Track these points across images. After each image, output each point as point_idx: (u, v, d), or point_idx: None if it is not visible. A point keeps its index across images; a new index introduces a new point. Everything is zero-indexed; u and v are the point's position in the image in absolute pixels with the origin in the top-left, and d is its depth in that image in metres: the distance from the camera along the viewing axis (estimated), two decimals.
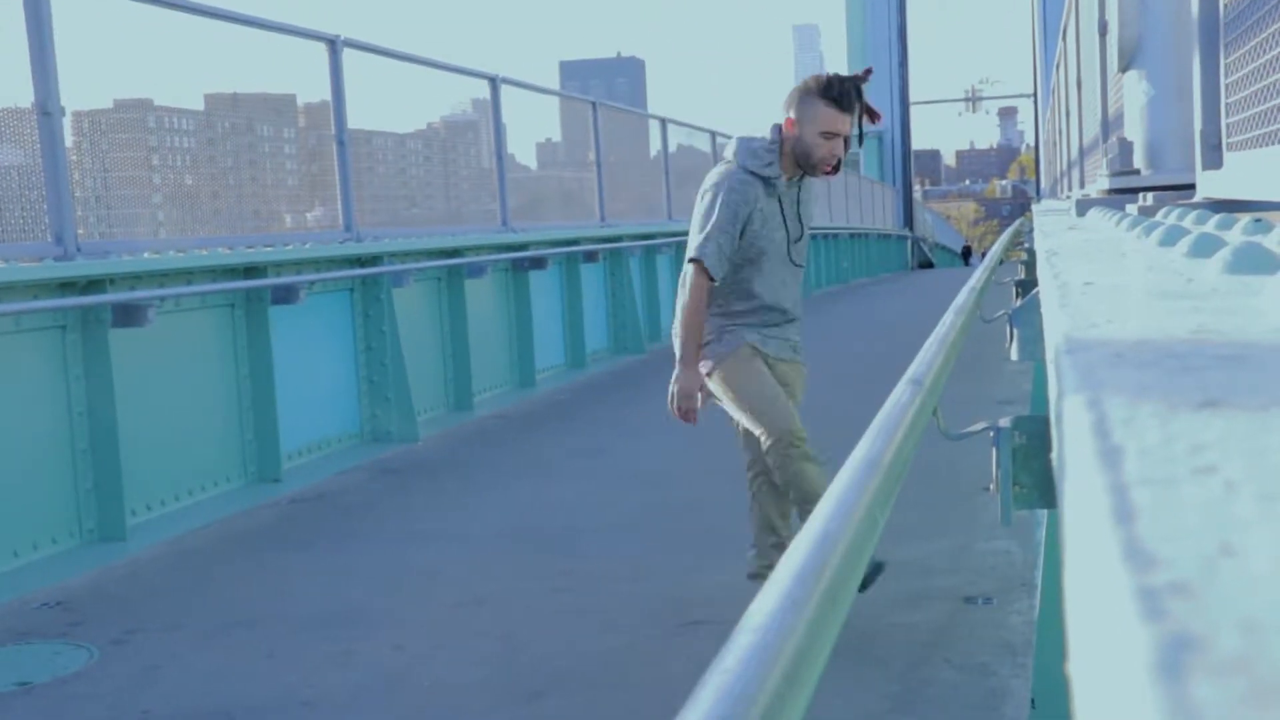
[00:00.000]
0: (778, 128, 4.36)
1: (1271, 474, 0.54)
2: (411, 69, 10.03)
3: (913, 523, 5.44)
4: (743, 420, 4.41)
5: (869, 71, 4.54)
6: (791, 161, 4.35)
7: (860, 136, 4.43)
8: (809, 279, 23.71)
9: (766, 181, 4.34)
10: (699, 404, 4.38)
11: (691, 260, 4.31)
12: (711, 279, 4.29)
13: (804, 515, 4.31)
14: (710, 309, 4.38)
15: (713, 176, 4.40)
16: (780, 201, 4.39)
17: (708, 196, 4.34)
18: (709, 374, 4.37)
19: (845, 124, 4.32)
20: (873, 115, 4.44)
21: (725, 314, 4.41)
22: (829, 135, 4.30)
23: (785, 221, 4.41)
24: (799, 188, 4.45)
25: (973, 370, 8.69)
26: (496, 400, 10.36)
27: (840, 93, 4.32)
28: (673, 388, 4.38)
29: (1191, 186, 2.95)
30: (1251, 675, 0.35)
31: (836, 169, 4.43)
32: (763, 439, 4.31)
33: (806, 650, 0.74)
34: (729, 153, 4.44)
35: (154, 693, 4.15)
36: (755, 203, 4.32)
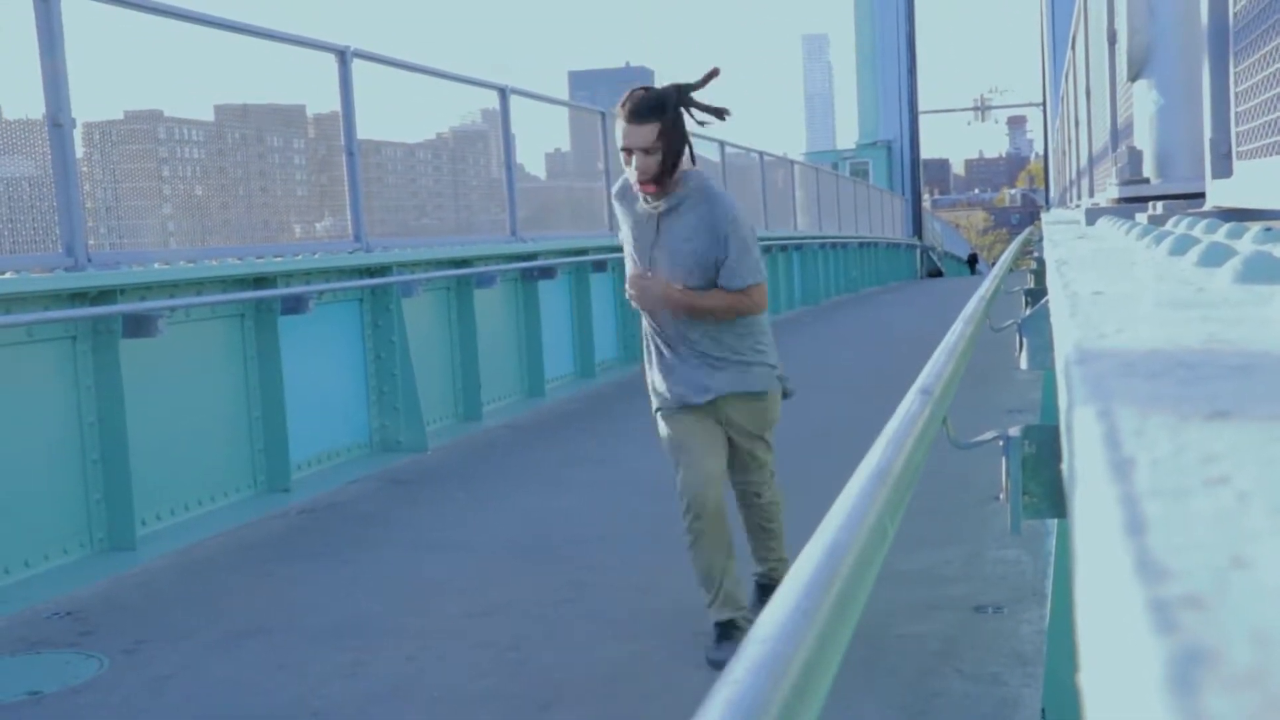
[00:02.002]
0: None
1: None
2: (421, 79, 10.05)
3: (923, 532, 5.43)
4: None
5: (712, 73, 4.17)
6: None
7: (667, 153, 4.10)
8: (816, 286, 23.71)
9: (636, 201, 4.28)
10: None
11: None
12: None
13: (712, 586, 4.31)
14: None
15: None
16: (645, 225, 4.27)
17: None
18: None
19: (637, 137, 4.04)
20: (717, 113, 4.16)
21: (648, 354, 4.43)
22: (625, 152, 4.11)
23: (647, 247, 4.26)
24: (662, 215, 4.22)
25: (982, 379, 8.68)
26: (506, 410, 10.36)
27: (631, 103, 4.07)
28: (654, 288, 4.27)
29: (1201, 195, 2.94)
30: (1264, 688, 0.35)
31: (654, 182, 4.12)
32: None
33: (816, 660, 0.74)
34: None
35: (164, 703, 4.15)
36: (626, 219, 4.37)
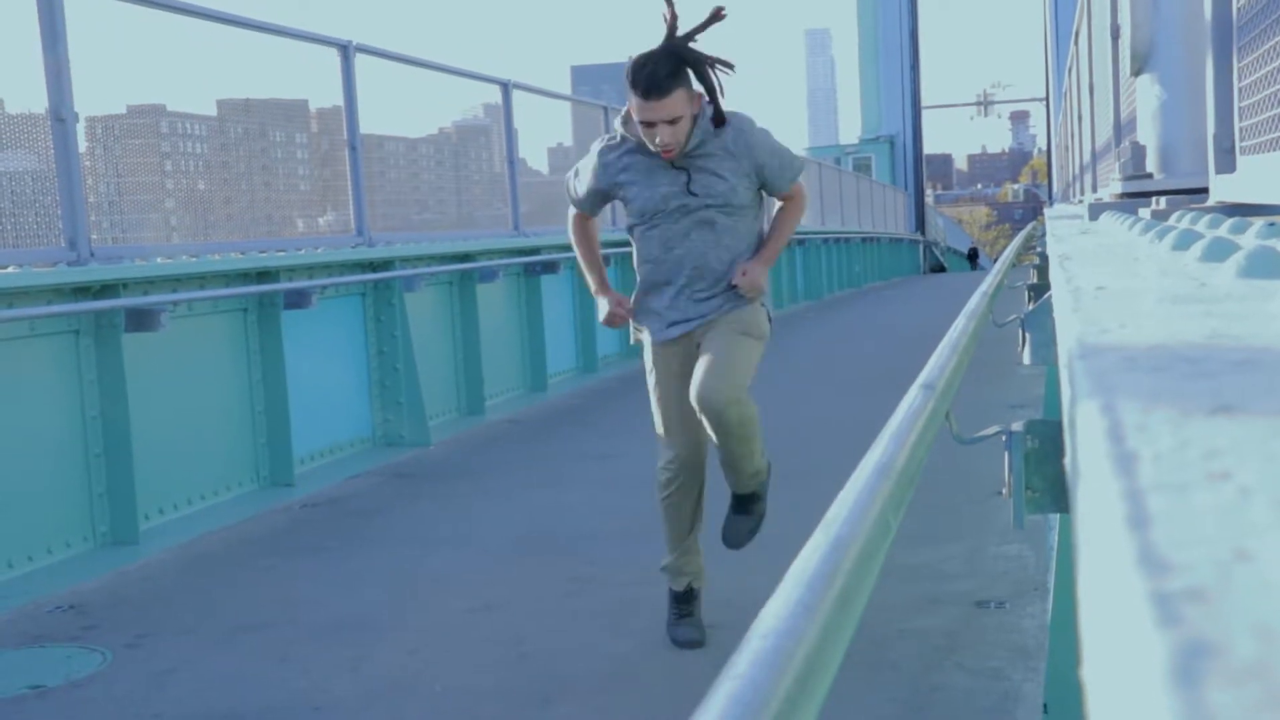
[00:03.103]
0: None
1: None
2: (423, 74, 10.04)
3: (925, 527, 5.43)
4: None
5: (715, 15, 4.02)
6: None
7: (714, 99, 4.05)
8: (819, 281, 23.70)
9: (640, 150, 4.17)
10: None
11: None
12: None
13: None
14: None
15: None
16: (661, 169, 4.15)
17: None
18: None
19: (660, 110, 3.94)
20: (723, 63, 4.05)
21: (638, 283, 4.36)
22: (646, 125, 4.01)
23: (668, 192, 4.17)
24: (688, 158, 4.13)
25: (985, 374, 8.68)
26: (508, 404, 10.36)
27: (645, 82, 3.93)
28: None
29: (1205, 190, 2.94)
30: (1267, 681, 0.35)
31: (717, 122, 4.09)
32: None
33: (819, 655, 0.74)
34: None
35: (166, 696, 4.16)
36: (627, 169, 4.22)
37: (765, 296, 4.29)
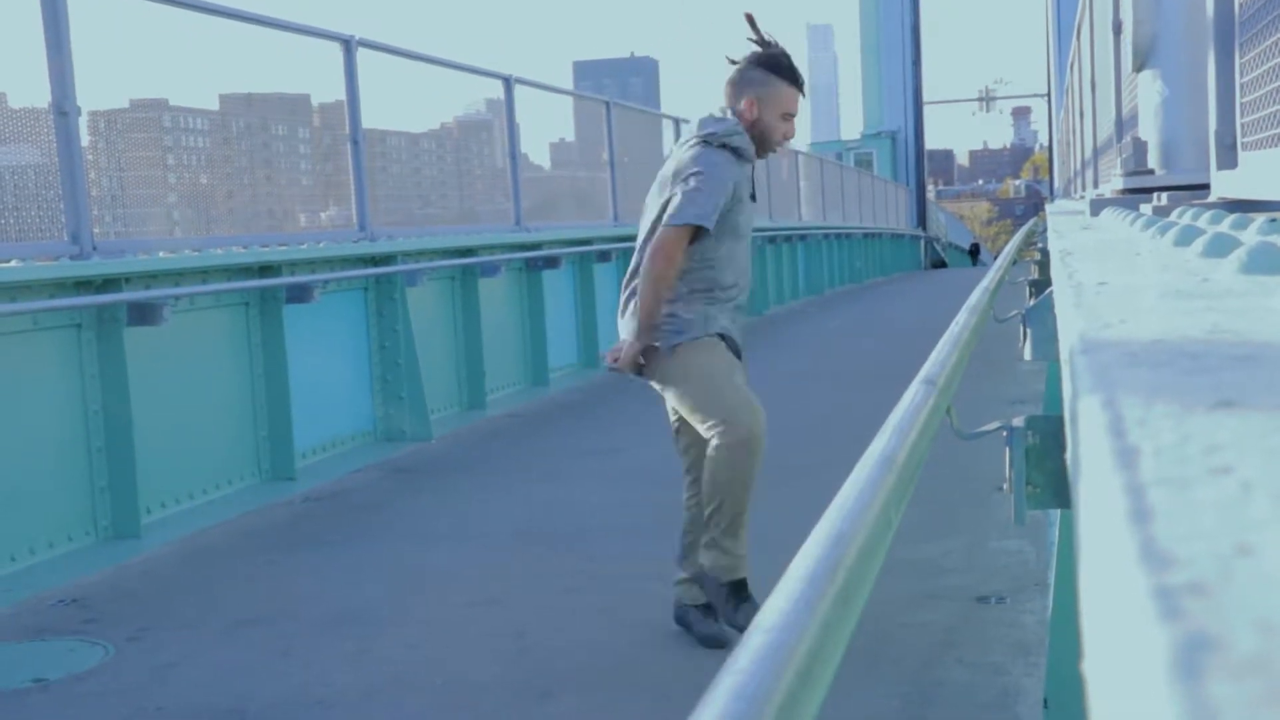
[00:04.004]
0: (734, 110, 4.27)
1: None
2: (426, 69, 10.04)
3: (926, 522, 5.43)
4: (698, 411, 4.18)
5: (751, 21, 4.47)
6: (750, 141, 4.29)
7: None
8: (821, 276, 23.71)
9: (743, 159, 4.25)
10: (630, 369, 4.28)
11: (678, 226, 4.11)
12: (693, 239, 4.17)
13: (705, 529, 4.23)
14: (679, 286, 4.22)
15: (688, 153, 4.19)
16: (750, 180, 4.36)
17: (691, 170, 4.14)
18: (672, 353, 4.20)
19: (799, 105, 4.35)
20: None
21: (699, 292, 4.23)
22: (788, 117, 4.31)
23: (751, 199, 4.36)
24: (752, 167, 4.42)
25: (986, 370, 8.68)
26: (510, 399, 10.36)
27: (798, 74, 4.33)
28: (622, 351, 4.29)
29: (1206, 186, 2.94)
30: (1269, 675, 0.35)
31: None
32: (719, 432, 4.10)
33: (820, 650, 0.74)
34: (700, 131, 4.24)
35: (168, 690, 4.16)
36: (738, 179, 4.24)
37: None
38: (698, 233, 4.14)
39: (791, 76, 4.27)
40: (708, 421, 4.14)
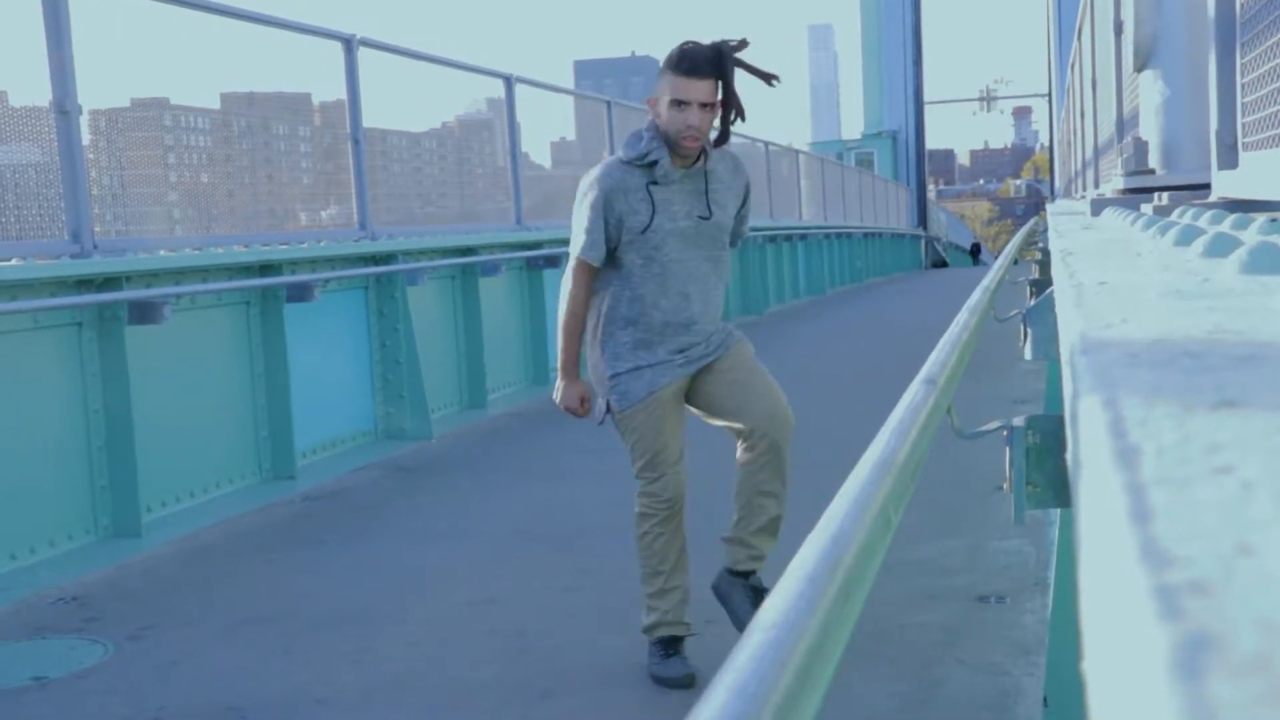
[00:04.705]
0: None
1: None
2: (426, 68, 10.04)
3: (926, 522, 5.43)
4: (632, 461, 4.18)
5: (743, 42, 4.04)
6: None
7: (729, 109, 4.00)
8: (821, 276, 23.69)
9: (649, 169, 4.00)
10: (587, 407, 4.21)
11: (571, 262, 4.11)
12: (592, 267, 4.08)
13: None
14: (612, 324, 4.10)
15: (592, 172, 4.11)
16: (676, 189, 4.03)
17: (581, 197, 4.07)
18: (618, 415, 4.13)
19: (698, 90, 3.89)
20: (766, 77, 4.10)
21: (631, 324, 4.08)
22: (679, 104, 3.91)
23: (686, 210, 4.04)
24: (705, 173, 4.07)
25: (987, 370, 8.68)
26: (510, 398, 10.36)
27: (689, 59, 3.92)
28: (556, 397, 4.24)
29: (1207, 186, 2.94)
30: (1270, 674, 0.35)
31: (720, 141, 4.07)
32: (637, 493, 4.14)
33: (819, 649, 0.74)
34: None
35: (168, 688, 4.16)
36: (630, 194, 4.01)
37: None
38: (600, 264, 4.07)
39: (675, 62, 3.93)
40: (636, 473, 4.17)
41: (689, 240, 4.06)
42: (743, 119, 4.08)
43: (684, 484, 4.13)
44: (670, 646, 4.09)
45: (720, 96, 3.97)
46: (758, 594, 4.06)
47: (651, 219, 4.02)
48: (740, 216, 4.24)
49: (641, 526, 4.12)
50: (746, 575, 4.13)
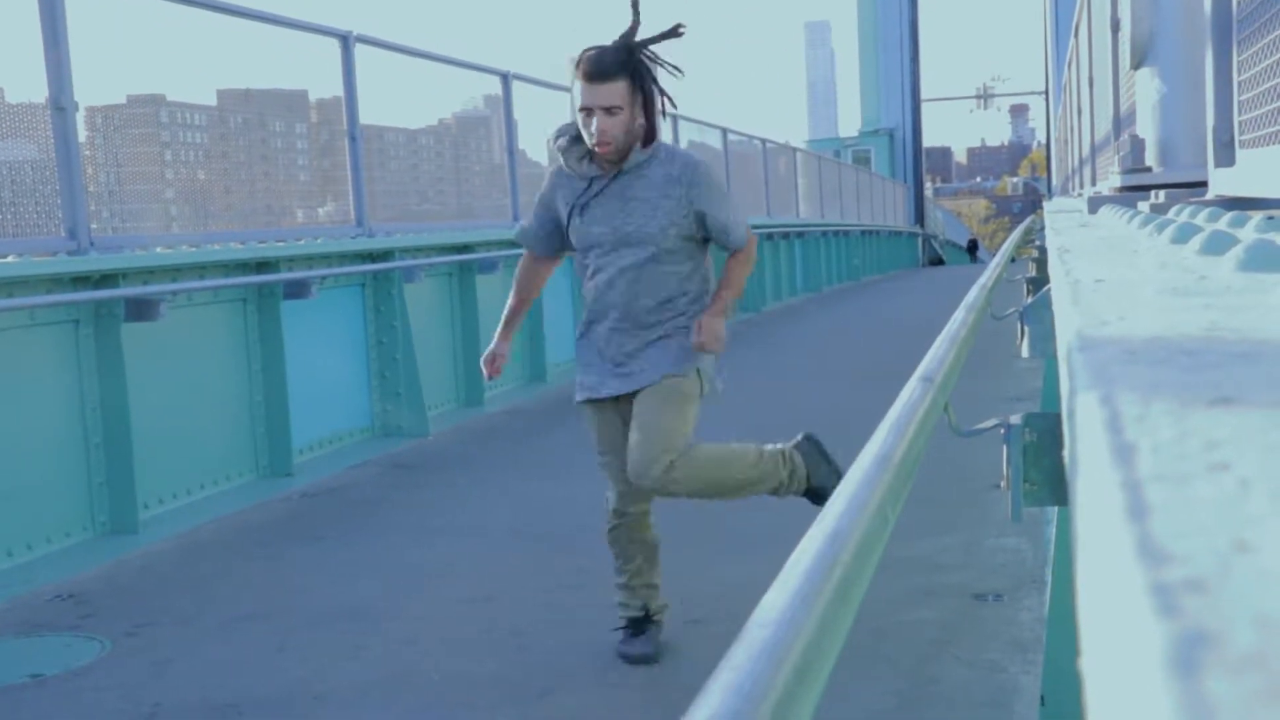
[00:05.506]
0: None
1: None
2: (423, 65, 10.03)
3: (923, 519, 5.43)
4: None
5: (674, 30, 3.96)
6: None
7: (649, 113, 3.94)
8: (819, 273, 23.69)
9: (573, 171, 4.04)
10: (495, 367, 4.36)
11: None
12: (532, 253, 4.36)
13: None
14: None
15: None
16: (602, 194, 4.01)
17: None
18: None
19: (600, 95, 3.82)
20: (673, 70, 4.00)
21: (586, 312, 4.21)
22: (585, 111, 3.86)
23: (605, 215, 4.01)
24: (623, 177, 3.99)
25: (983, 367, 8.68)
26: (508, 396, 10.36)
27: (588, 64, 3.84)
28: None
29: (1204, 184, 2.94)
30: (1267, 671, 0.35)
31: (647, 139, 3.97)
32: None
33: (816, 647, 0.74)
34: None
35: (165, 685, 4.16)
36: (559, 194, 4.09)
37: (706, 357, 4.10)
38: (535, 250, 4.38)
39: (577, 67, 3.86)
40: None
41: (610, 248, 4.03)
42: (673, 106, 4.04)
43: (632, 495, 4.12)
44: (636, 626, 4.22)
45: (638, 97, 3.90)
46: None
47: (568, 222, 4.11)
48: (709, 222, 4.02)
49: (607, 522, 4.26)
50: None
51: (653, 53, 3.94)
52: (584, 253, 4.12)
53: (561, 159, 4.07)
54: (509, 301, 4.47)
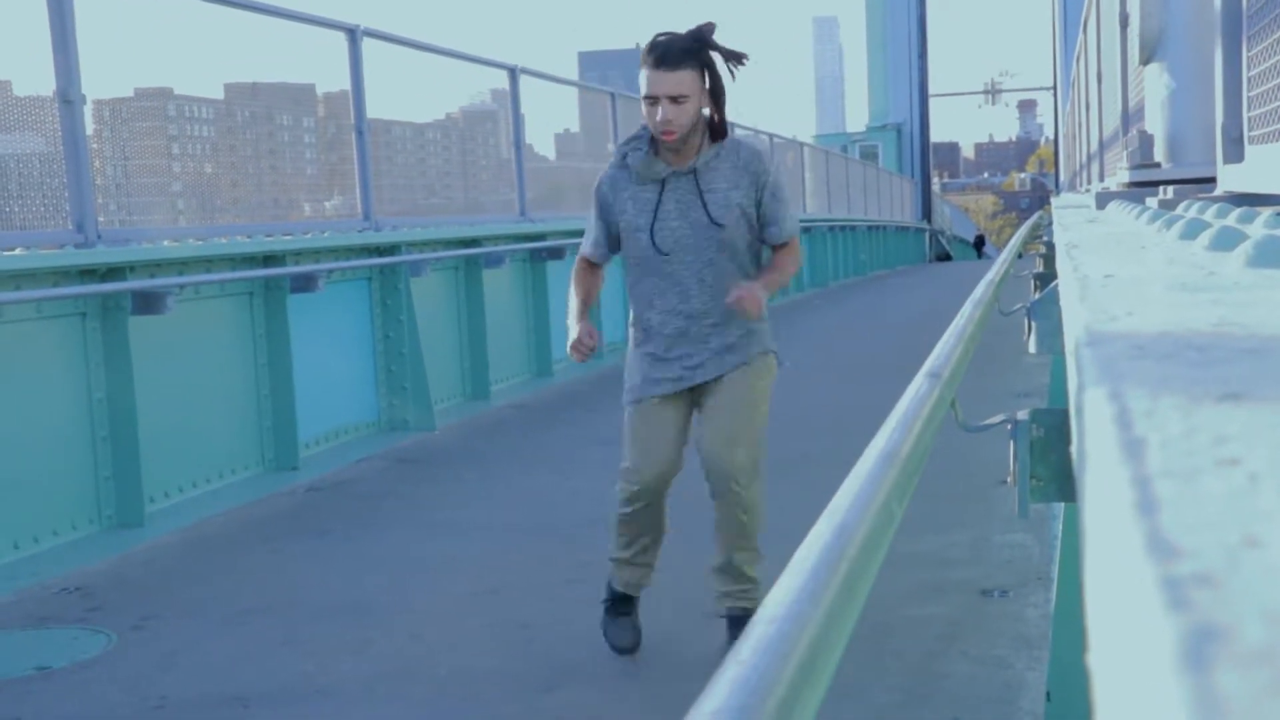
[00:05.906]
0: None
1: None
2: (431, 59, 10.03)
3: (929, 515, 5.43)
4: None
5: (742, 57, 3.95)
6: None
7: (718, 106, 3.92)
8: (825, 268, 23.68)
9: (637, 169, 3.96)
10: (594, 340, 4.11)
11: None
12: (592, 263, 4.19)
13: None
14: (632, 321, 4.17)
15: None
16: (671, 188, 3.95)
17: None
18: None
19: (667, 83, 3.76)
20: (735, 57, 3.93)
21: (635, 327, 4.17)
22: (650, 100, 3.80)
23: (679, 210, 3.95)
24: (695, 170, 3.94)
25: (991, 363, 8.68)
26: (514, 390, 10.37)
27: (656, 50, 3.79)
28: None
29: (1213, 180, 2.94)
30: (1276, 666, 0.35)
31: (715, 133, 3.95)
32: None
33: (823, 642, 0.74)
34: None
35: (171, 678, 4.17)
36: (620, 194, 4.00)
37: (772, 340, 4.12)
38: (601, 261, 4.22)
39: (644, 55, 3.82)
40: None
41: (683, 241, 3.96)
42: (723, 115, 3.98)
43: (658, 490, 4.13)
44: (620, 605, 4.24)
45: (708, 85, 3.87)
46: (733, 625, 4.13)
47: (636, 219, 4.00)
48: (763, 212, 4.00)
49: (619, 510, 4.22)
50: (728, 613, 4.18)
51: (722, 48, 3.90)
52: (643, 250, 4.02)
53: (631, 163, 3.97)
54: (575, 299, 4.17)
